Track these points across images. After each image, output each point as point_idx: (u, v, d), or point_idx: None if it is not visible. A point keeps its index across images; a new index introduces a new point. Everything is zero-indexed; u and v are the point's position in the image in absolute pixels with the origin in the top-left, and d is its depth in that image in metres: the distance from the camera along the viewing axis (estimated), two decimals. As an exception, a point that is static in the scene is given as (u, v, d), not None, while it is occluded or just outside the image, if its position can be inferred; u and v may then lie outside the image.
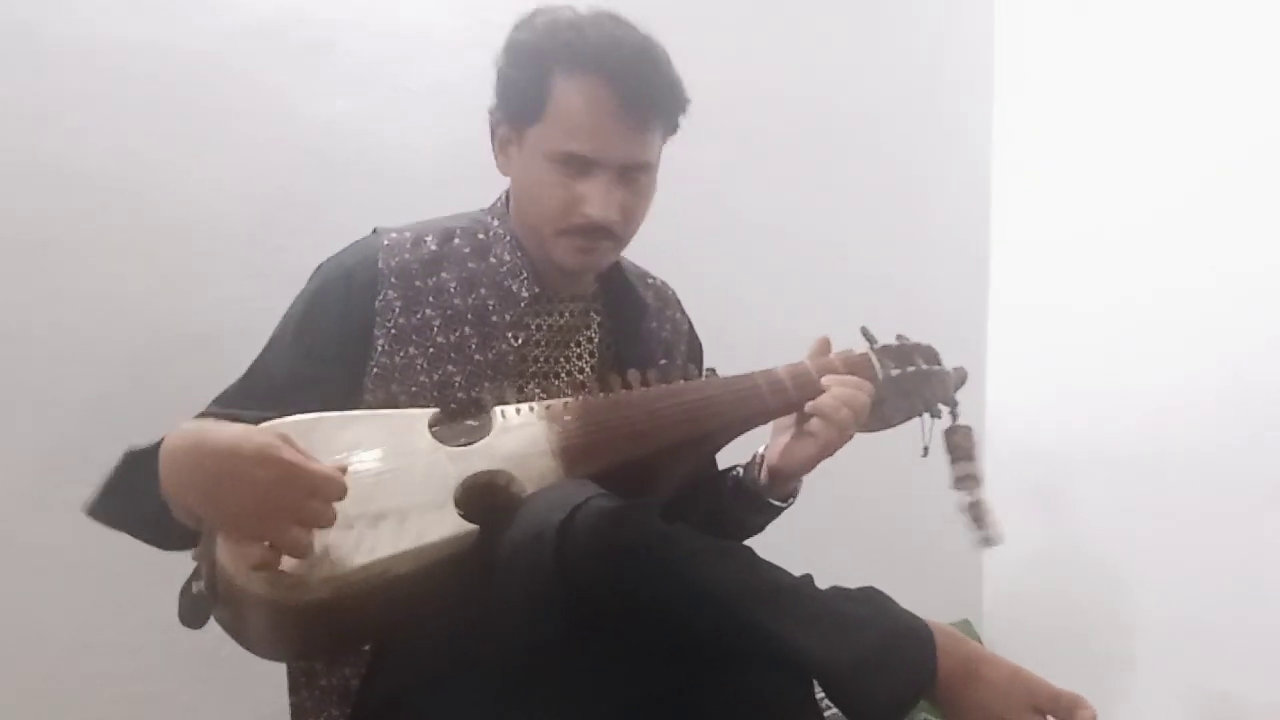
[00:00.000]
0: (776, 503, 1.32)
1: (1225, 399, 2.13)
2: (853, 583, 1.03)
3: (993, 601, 2.63)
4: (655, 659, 0.94)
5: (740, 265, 2.26)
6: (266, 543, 0.88)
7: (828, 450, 1.24)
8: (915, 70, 2.58)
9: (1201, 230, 2.20)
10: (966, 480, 1.30)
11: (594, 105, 1.19)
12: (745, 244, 2.29)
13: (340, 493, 0.90)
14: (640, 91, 1.20)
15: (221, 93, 1.71)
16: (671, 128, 1.29)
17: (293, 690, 1.23)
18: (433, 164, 1.86)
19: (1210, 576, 2.14)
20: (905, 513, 2.28)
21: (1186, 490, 2.19)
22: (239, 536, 0.89)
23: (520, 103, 1.24)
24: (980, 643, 2.50)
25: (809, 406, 1.23)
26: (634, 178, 1.24)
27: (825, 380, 1.25)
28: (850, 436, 1.24)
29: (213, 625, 1.63)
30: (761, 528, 1.35)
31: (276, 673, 1.26)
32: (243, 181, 1.72)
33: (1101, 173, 2.42)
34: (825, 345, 1.32)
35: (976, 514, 1.29)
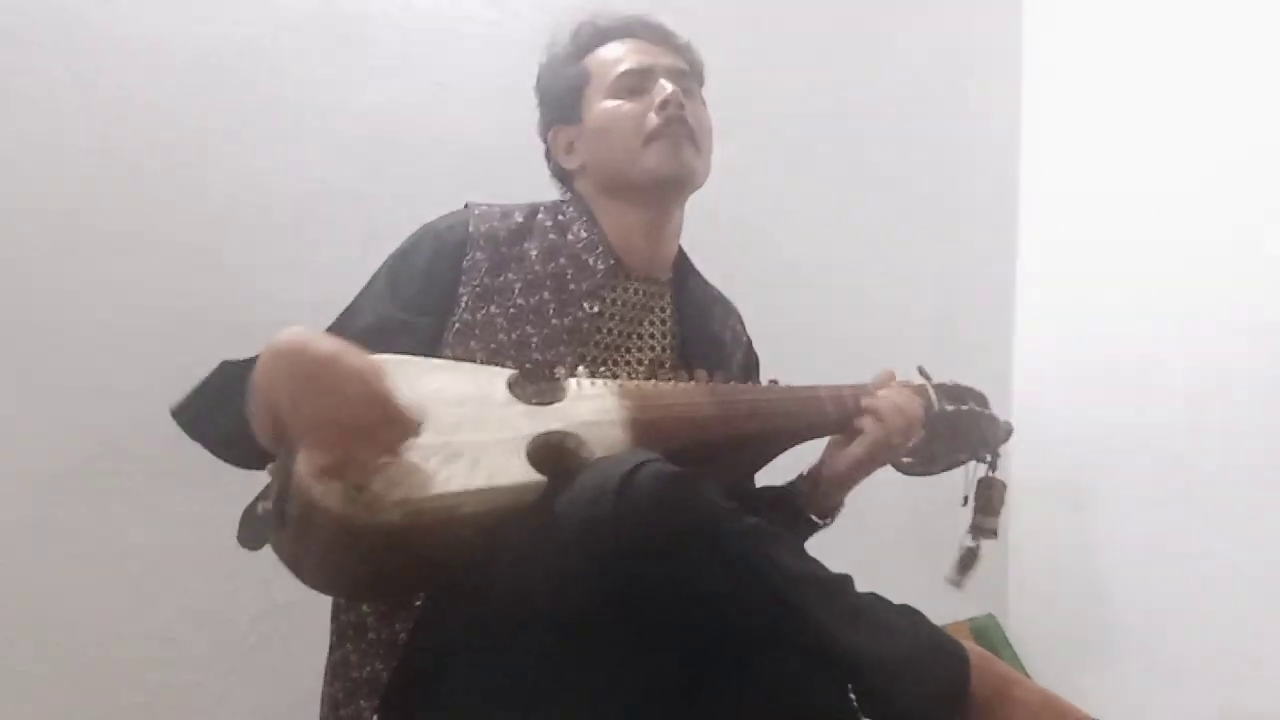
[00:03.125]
0: (815, 518, 1.35)
1: (1258, 390, 2.11)
2: (878, 574, 1.04)
3: (1018, 596, 2.62)
4: (700, 634, 0.95)
5: (762, 262, 2.25)
6: (335, 453, 0.90)
7: (876, 452, 1.29)
8: (942, 68, 2.59)
9: (1234, 221, 2.19)
10: (985, 532, 1.39)
11: (628, 44, 1.37)
12: (772, 244, 2.30)
13: (412, 432, 0.93)
14: (663, 33, 1.40)
15: (256, 85, 1.73)
16: (699, 78, 1.43)
17: (337, 645, 1.24)
18: (466, 156, 1.88)
19: (1242, 571, 2.13)
20: (931, 507, 2.27)
21: (1217, 484, 2.18)
22: (314, 442, 0.91)
23: (567, 93, 1.38)
24: (1006, 638, 2.52)
25: (864, 403, 1.30)
26: (684, 85, 1.35)
27: (881, 391, 1.33)
28: (900, 446, 1.30)
29: (245, 614, 1.68)
30: None
31: (308, 660, 1.28)
32: (278, 174, 1.74)
33: (1131, 165, 2.42)
34: (891, 375, 1.37)
35: (968, 561, 1.39)
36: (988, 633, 2.52)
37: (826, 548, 1.15)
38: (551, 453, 1.06)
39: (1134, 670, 2.31)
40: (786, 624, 0.94)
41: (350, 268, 1.35)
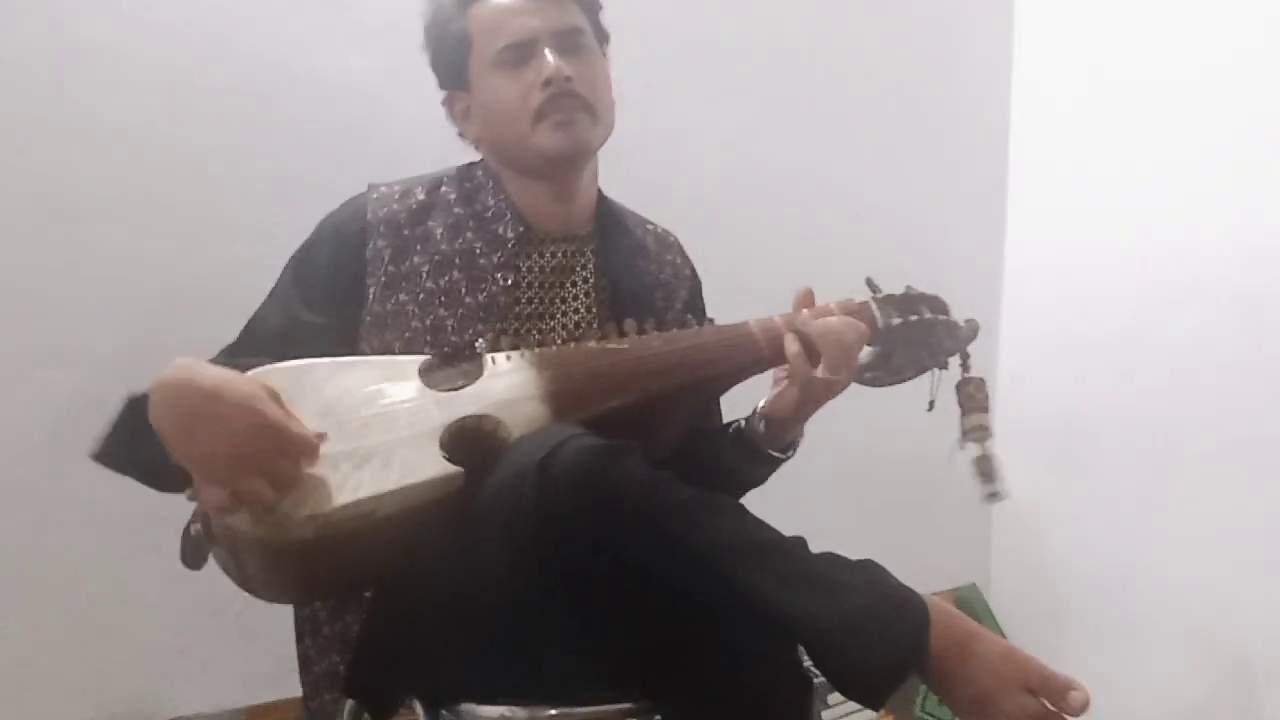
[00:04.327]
0: (774, 453, 1.29)
1: (1240, 361, 2.11)
2: (860, 546, 1.03)
3: (1000, 566, 2.64)
4: (637, 611, 0.94)
5: (754, 217, 2.24)
6: (227, 489, 0.89)
7: (812, 389, 1.20)
8: (934, 19, 2.55)
9: (1224, 187, 2.16)
10: (977, 431, 1.26)
11: (502, 2, 1.27)
12: (760, 195, 2.28)
13: (311, 455, 0.92)
14: None
15: (237, 50, 1.71)
16: (593, 18, 1.34)
17: (299, 639, 1.25)
18: (446, 122, 1.85)
19: (1223, 539, 2.13)
20: (912, 477, 2.28)
21: (1199, 455, 2.17)
22: (205, 478, 0.91)
23: (452, 55, 1.31)
24: (988, 607, 2.53)
25: (790, 334, 1.21)
26: (573, 45, 1.27)
27: (816, 322, 1.22)
28: (838, 378, 1.20)
29: (231, 584, 1.67)
30: (762, 479, 1.34)
31: (290, 629, 1.28)
32: (259, 140, 1.72)
33: (1121, 128, 2.38)
34: (808, 295, 1.29)
35: (985, 468, 1.25)
36: (970, 602, 2.54)
37: (807, 514, 1.15)
38: (469, 438, 1.04)
39: (1115, 639, 2.32)
40: (728, 592, 0.93)
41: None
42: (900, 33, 2.50)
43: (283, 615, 1.41)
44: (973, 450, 1.27)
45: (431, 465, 1.00)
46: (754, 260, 2.14)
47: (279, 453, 0.90)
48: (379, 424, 1.02)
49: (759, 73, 2.28)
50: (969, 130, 2.63)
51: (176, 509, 1.55)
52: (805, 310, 1.26)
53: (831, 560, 0.99)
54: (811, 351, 1.19)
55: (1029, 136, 2.65)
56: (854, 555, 1.01)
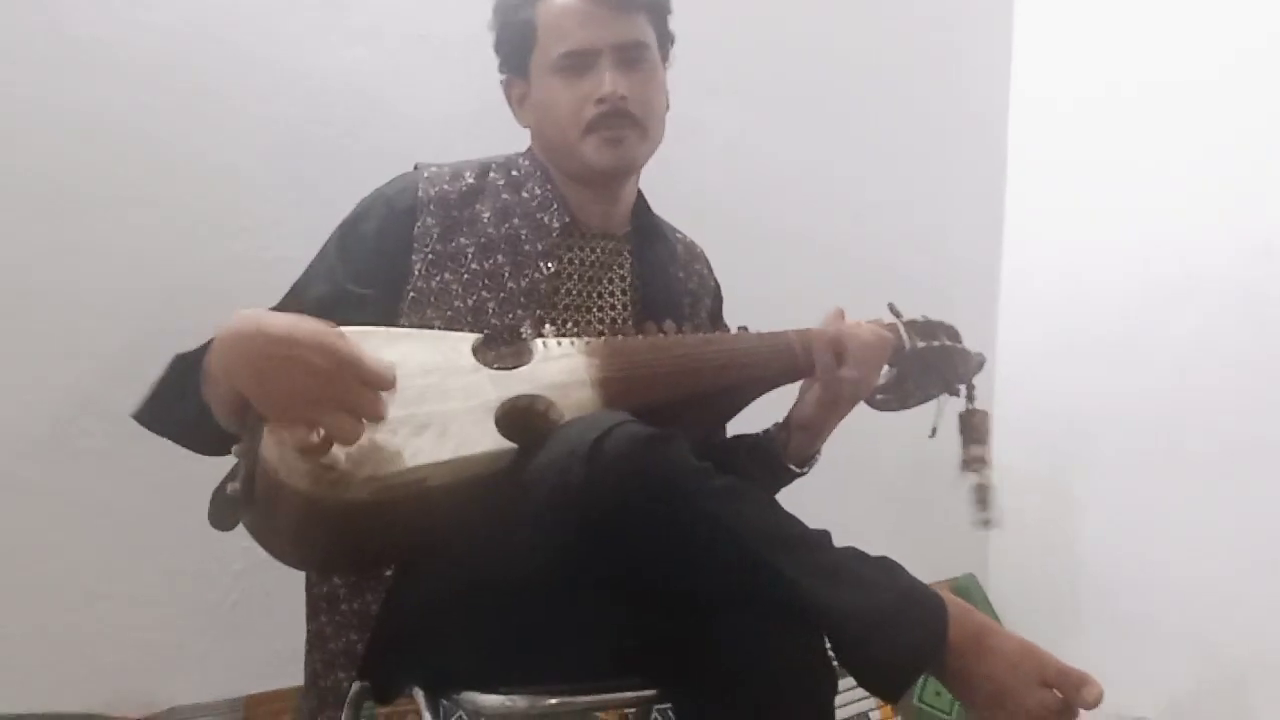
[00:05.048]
0: (793, 467, 1.33)
1: (1241, 356, 2.12)
2: (859, 536, 1.04)
3: (998, 557, 2.65)
4: (672, 593, 0.96)
5: (753, 217, 2.25)
6: (317, 430, 0.88)
7: (839, 391, 1.26)
8: (933, 23, 2.55)
9: (1223, 182, 2.18)
10: (976, 463, 1.34)
11: (572, 4, 1.27)
12: (758, 196, 2.29)
13: (390, 384, 0.91)
14: None
15: (236, 43, 1.70)
16: (661, 24, 1.34)
17: (312, 616, 1.24)
18: (447, 114, 1.85)
19: (1219, 532, 2.15)
20: (912, 468, 2.28)
21: (1196, 448, 2.19)
22: (289, 420, 0.89)
23: (516, 45, 1.32)
24: (986, 598, 2.54)
25: (824, 339, 1.26)
26: (633, 59, 1.28)
27: (845, 326, 1.29)
28: (864, 383, 1.27)
29: (227, 573, 1.68)
30: (773, 494, 1.34)
31: (288, 622, 1.28)
32: (258, 133, 1.72)
33: (1121, 124, 2.40)
34: (840, 314, 1.33)
35: (981, 496, 1.33)
36: (968, 593, 2.55)
37: (808, 506, 1.16)
38: (521, 417, 1.05)
39: (1111, 631, 2.33)
40: (760, 581, 0.94)
41: (328, 227, 1.32)
42: (899, 32, 2.51)
43: (280, 606, 1.41)
44: (971, 479, 1.35)
45: (487, 439, 1.00)
46: (754, 261, 2.13)
47: (361, 385, 0.89)
48: (435, 394, 1.02)
49: (757, 73, 2.28)
50: (967, 129, 2.64)
51: (172, 502, 1.56)
52: (842, 321, 1.31)
53: (855, 555, 1.01)
54: (839, 350, 1.25)
55: (1028, 135, 2.66)
56: (853, 545, 1.02)
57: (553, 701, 1.07)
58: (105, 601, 1.60)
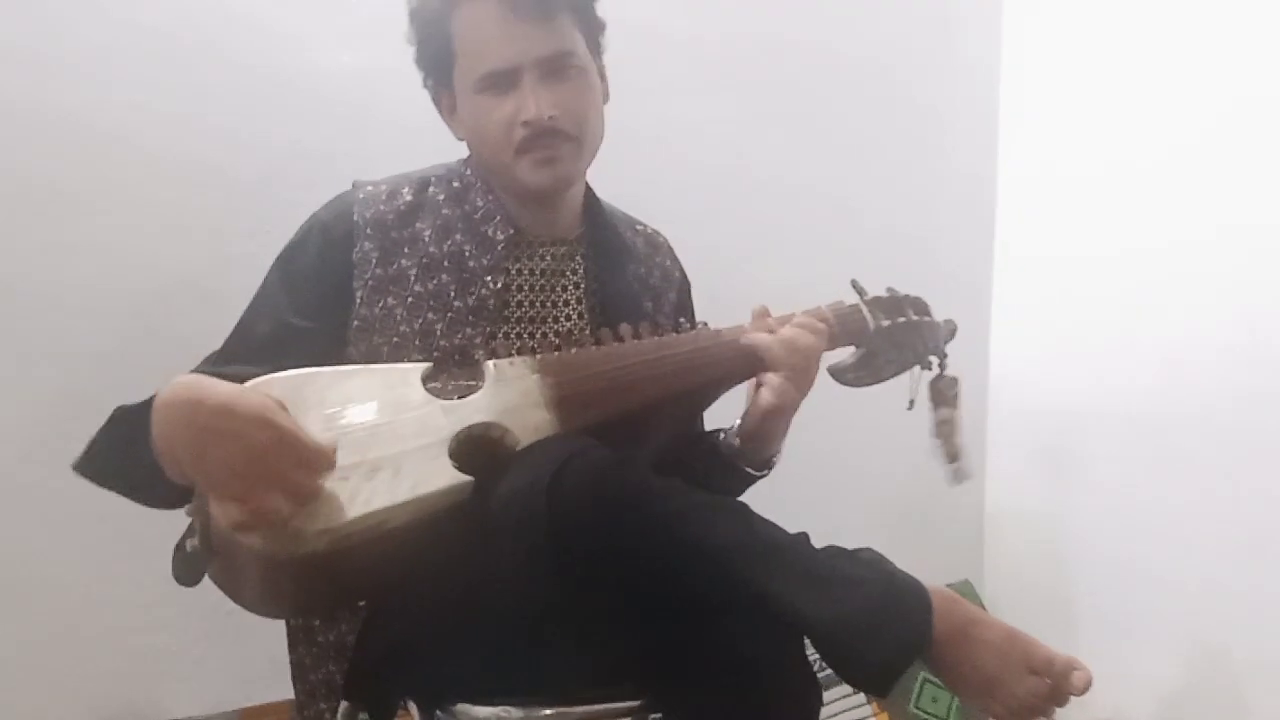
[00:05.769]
0: (750, 470, 1.30)
1: (1235, 355, 2.11)
2: (854, 544, 1.04)
3: (993, 561, 2.64)
4: (647, 613, 0.95)
5: (744, 217, 2.25)
6: (247, 505, 0.87)
7: (783, 397, 1.21)
8: (923, 17, 2.55)
9: (1214, 181, 2.16)
10: (944, 426, 1.37)
11: (487, 18, 1.19)
12: (750, 196, 2.28)
13: (328, 467, 0.90)
14: None
15: (232, 44, 1.70)
16: (586, 19, 1.26)
17: (291, 647, 1.24)
18: (439, 121, 1.85)
19: (1215, 534, 2.14)
20: (906, 473, 2.28)
21: (1193, 448, 2.18)
22: (222, 496, 0.88)
23: (436, 58, 1.26)
24: (981, 603, 2.54)
25: (748, 343, 1.22)
26: (561, 71, 1.21)
27: (783, 329, 1.24)
28: (802, 386, 1.23)
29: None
30: (737, 494, 1.32)
31: (284, 629, 1.27)
32: (253, 135, 1.72)
33: (1111, 123, 2.38)
34: (764, 312, 1.28)
35: (951, 451, 1.38)
36: (964, 599, 2.55)
37: (801, 513, 1.16)
38: (476, 446, 1.04)
39: (1107, 633, 2.32)
40: (734, 594, 0.94)
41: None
42: (889, 32, 2.50)
43: (276, 620, 1.41)
44: (940, 444, 1.38)
45: (443, 475, 0.99)
46: (743, 260, 2.14)
47: (297, 466, 0.88)
48: (385, 434, 1.01)
49: (746, 73, 2.27)
50: (959, 129, 2.63)
51: (170, 512, 1.56)
52: (770, 319, 1.27)
53: (834, 554, 1.00)
54: (759, 365, 1.22)
55: (1018, 133, 2.65)
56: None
57: (547, 713, 1.07)
58: (102, 609, 1.60)
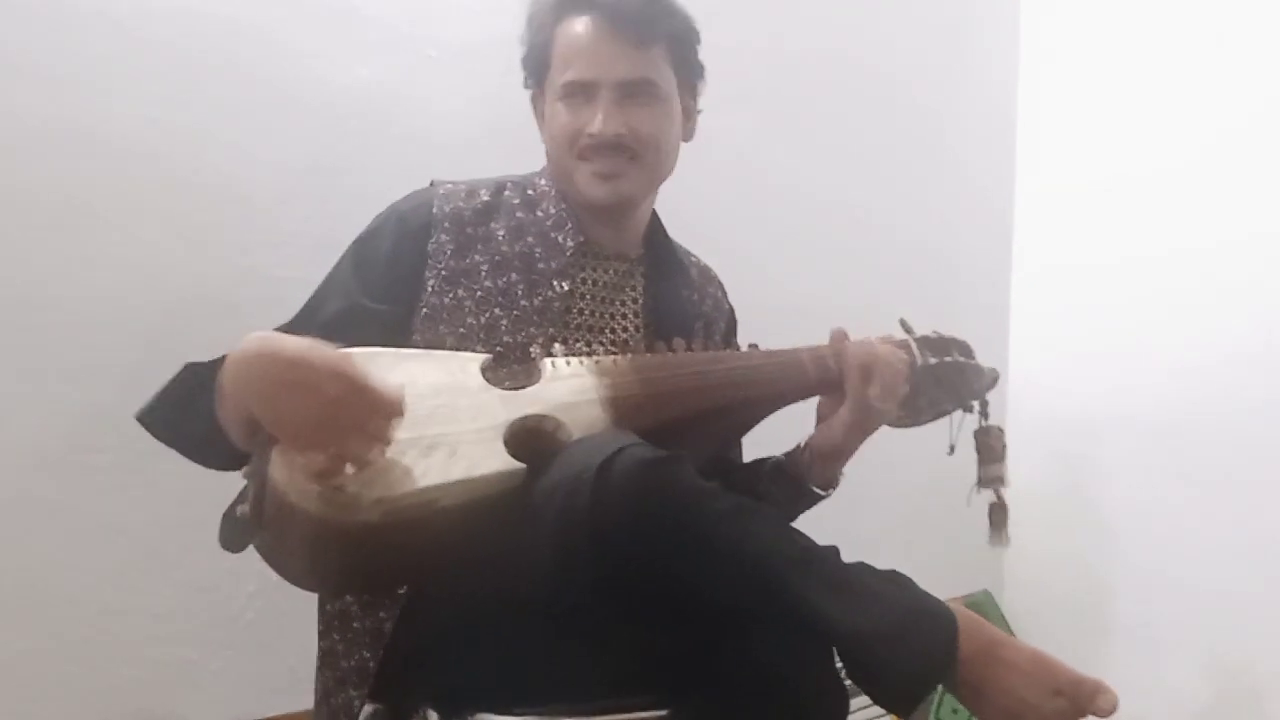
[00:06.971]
0: (817, 489, 1.33)
1: (1254, 362, 2.11)
2: (873, 552, 1.04)
3: (1013, 572, 2.63)
4: (682, 613, 0.96)
5: (763, 229, 2.26)
6: (328, 451, 0.89)
7: (865, 412, 1.25)
8: (940, 32, 2.56)
9: (1230, 189, 2.17)
10: (994, 481, 1.37)
11: (585, 32, 1.27)
12: (769, 208, 2.29)
13: (400, 410, 0.92)
14: (628, 12, 1.26)
15: (247, 59, 1.70)
16: (682, 57, 1.33)
17: (324, 634, 1.24)
18: (458, 129, 1.86)
19: (1236, 544, 2.13)
20: (925, 482, 2.27)
21: (1213, 456, 2.18)
22: (300, 445, 0.91)
23: (536, 61, 1.33)
24: (1001, 613, 2.53)
25: (847, 360, 1.27)
26: (640, 96, 1.28)
27: (867, 346, 1.28)
28: (889, 403, 1.27)
29: (243, 591, 1.68)
30: (794, 517, 1.35)
31: (304, 639, 1.27)
32: (268, 149, 1.72)
33: (1128, 134, 2.40)
34: (843, 334, 1.33)
35: (998, 517, 1.38)
36: (983, 609, 2.53)
37: (821, 521, 1.16)
38: (529, 437, 1.06)
39: (1128, 644, 2.32)
40: (769, 600, 0.95)
41: (339, 244, 1.33)
42: (907, 42, 2.51)
43: (295, 626, 1.41)
44: (989, 496, 1.38)
45: (496, 460, 1.01)
46: (760, 272, 2.14)
47: (372, 411, 0.91)
48: (444, 414, 1.03)
49: (766, 85, 2.28)
50: (976, 139, 2.64)
51: (187, 519, 1.57)
52: (849, 340, 1.31)
53: (864, 570, 1.01)
54: (867, 374, 1.25)
55: (1035, 143, 2.66)
56: (868, 561, 1.02)
57: (567, 723, 1.07)
58: (120, 619, 1.60)
